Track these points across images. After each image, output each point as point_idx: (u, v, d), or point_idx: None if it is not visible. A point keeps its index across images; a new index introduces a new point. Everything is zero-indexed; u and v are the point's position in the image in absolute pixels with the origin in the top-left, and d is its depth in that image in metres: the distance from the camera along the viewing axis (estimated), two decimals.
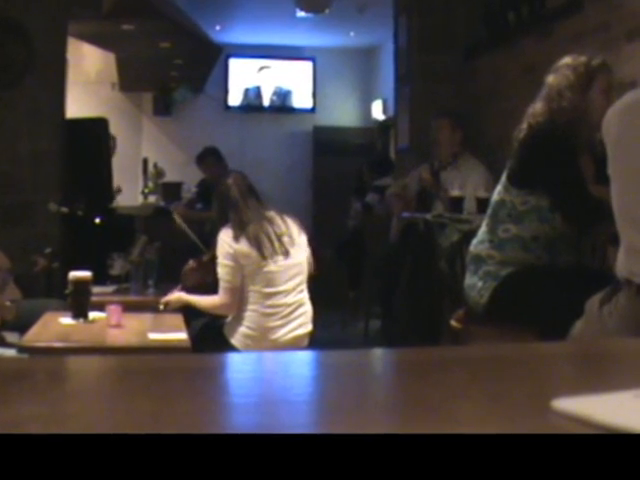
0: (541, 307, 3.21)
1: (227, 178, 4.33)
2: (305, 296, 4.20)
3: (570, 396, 0.73)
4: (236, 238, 4.06)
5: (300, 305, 4.15)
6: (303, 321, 4.16)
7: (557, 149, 3.25)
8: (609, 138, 2.51)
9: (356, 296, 7.92)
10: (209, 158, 7.47)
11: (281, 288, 4.10)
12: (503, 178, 3.41)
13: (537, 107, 3.33)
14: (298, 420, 0.76)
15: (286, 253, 4.10)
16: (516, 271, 3.31)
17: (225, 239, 4.10)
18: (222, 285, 4.09)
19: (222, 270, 4.09)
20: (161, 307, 4.25)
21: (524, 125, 3.34)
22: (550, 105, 3.29)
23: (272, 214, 4.21)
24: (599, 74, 3.31)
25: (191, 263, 4.72)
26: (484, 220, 3.50)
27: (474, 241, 3.50)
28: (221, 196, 4.25)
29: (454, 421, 0.75)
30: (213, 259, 4.19)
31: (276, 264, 4.08)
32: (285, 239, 4.13)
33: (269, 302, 4.08)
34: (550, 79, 3.35)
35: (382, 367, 1.12)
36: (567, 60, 3.35)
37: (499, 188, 3.42)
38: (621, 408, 0.71)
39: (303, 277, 4.19)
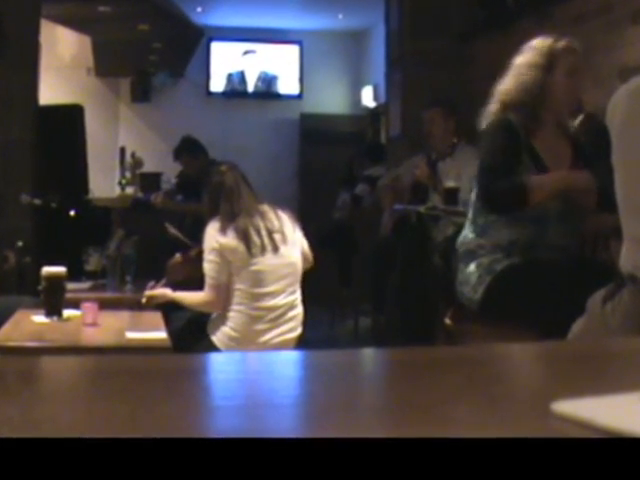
0: (539, 303, 3.21)
1: (220, 166, 4.31)
2: (297, 298, 4.15)
3: (571, 399, 0.74)
4: (223, 230, 4.03)
5: (291, 308, 4.10)
6: (293, 325, 4.11)
7: (506, 132, 3.37)
8: (614, 125, 2.50)
9: (349, 294, 7.90)
10: (185, 153, 7.36)
11: (270, 289, 4.05)
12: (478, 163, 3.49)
13: (503, 86, 3.45)
14: (284, 424, 0.76)
15: (275, 250, 4.05)
16: (512, 264, 3.30)
17: (212, 232, 4.07)
18: (207, 282, 4.07)
19: (208, 266, 4.06)
20: (143, 300, 4.22)
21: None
22: (515, 84, 3.41)
23: (265, 208, 4.17)
24: (563, 56, 3.38)
25: (178, 257, 4.70)
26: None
27: (460, 237, 3.51)
28: (214, 185, 4.20)
29: (449, 425, 0.75)
30: (200, 254, 4.17)
31: (265, 263, 4.04)
32: (276, 236, 4.08)
33: (257, 304, 4.04)
34: (516, 60, 3.45)
35: (373, 368, 1.13)
36: (533, 42, 3.44)
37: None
38: (624, 411, 0.71)
39: (296, 278, 4.14)
